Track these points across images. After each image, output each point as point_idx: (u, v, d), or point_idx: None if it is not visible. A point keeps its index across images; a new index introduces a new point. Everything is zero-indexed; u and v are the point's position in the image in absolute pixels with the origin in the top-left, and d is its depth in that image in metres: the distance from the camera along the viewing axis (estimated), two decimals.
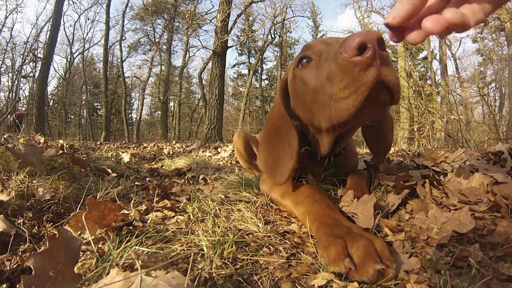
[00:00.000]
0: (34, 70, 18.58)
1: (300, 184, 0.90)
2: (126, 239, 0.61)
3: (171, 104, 22.91)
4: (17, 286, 0.50)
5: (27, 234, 0.68)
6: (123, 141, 9.03)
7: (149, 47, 20.38)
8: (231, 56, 44.53)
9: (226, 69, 9.24)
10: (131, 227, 0.73)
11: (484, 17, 0.38)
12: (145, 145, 6.13)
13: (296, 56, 0.81)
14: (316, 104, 0.70)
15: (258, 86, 22.38)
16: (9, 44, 19.43)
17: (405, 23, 0.43)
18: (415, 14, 0.43)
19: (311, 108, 0.73)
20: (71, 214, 0.64)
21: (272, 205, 0.94)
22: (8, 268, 0.54)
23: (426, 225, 0.67)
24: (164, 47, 18.82)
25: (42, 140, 2.19)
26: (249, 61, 22.30)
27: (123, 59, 17.81)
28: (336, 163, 0.97)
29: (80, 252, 0.57)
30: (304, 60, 0.75)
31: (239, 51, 22.05)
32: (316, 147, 0.91)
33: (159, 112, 21.02)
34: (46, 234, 0.72)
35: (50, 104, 22.80)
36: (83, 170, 1.30)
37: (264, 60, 22.39)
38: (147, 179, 1.56)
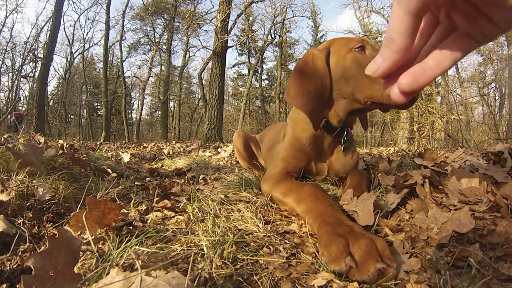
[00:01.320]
0: (34, 70, 18.60)
1: (302, 183, 0.90)
2: (126, 239, 0.61)
3: (171, 104, 22.92)
4: (17, 286, 0.50)
5: (27, 234, 0.68)
6: (123, 141, 9.04)
7: (149, 47, 20.39)
8: (231, 56, 44.61)
9: (226, 69, 9.25)
10: (131, 227, 0.73)
11: (452, 65, 0.36)
12: (145, 145, 6.13)
13: (353, 43, 1.02)
14: (360, 80, 0.95)
15: (258, 86, 22.38)
16: (9, 44, 19.44)
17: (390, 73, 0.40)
18: (399, 65, 0.39)
19: (356, 82, 0.97)
20: (72, 214, 0.64)
21: (272, 205, 0.94)
22: (8, 268, 0.54)
23: (426, 225, 0.67)
24: (164, 47, 18.83)
25: (42, 140, 2.19)
26: (249, 61, 22.30)
27: (123, 59, 17.82)
28: (347, 138, 1.15)
29: (80, 252, 0.57)
30: (360, 49, 0.99)
31: (239, 51, 22.05)
32: (333, 120, 1.09)
33: (159, 112, 21.03)
34: (46, 234, 0.72)
35: (50, 104, 22.81)
36: (83, 170, 1.30)
37: (264, 60, 22.40)
38: (147, 179, 1.56)
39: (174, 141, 8.80)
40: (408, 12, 0.32)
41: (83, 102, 24.05)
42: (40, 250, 0.55)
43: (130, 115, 24.81)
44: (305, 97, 1.06)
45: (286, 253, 0.61)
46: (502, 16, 0.28)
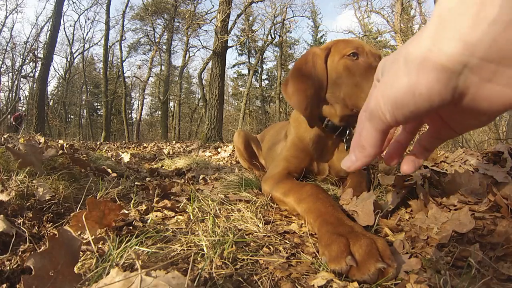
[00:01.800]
0: (34, 70, 18.58)
1: (303, 183, 0.91)
2: (126, 239, 0.61)
3: (171, 104, 22.91)
4: (17, 286, 0.50)
5: (27, 234, 0.68)
6: (123, 141, 9.04)
7: (149, 47, 20.39)
8: (231, 56, 44.58)
9: (226, 69, 9.24)
10: (131, 227, 0.73)
11: (436, 147, 0.43)
12: (145, 145, 6.14)
13: (346, 49, 1.02)
14: (349, 88, 0.99)
15: (258, 86, 22.37)
16: (9, 44, 19.43)
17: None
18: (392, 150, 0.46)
19: (345, 89, 1.00)
20: (72, 214, 0.64)
21: (272, 205, 0.94)
22: (8, 268, 0.54)
23: (426, 225, 0.67)
24: (164, 47, 18.82)
25: (42, 140, 2.19)
26: (249, 61, 22.29)
27: (123, 59, 17.81)
28: (350, 137, 1.17)
29: (80, 252, 0.57)
30: (353, 55, 1.00)
31: (239, 51, 22.05)
32: (335, 120, 1.11)
33: (159, 112, 21.03)
34: (46, 234, 0.72)
35: (50, 104, 22.80)
36: (83, 170, 1.30)
37: (264, 60, 22.39)
38: (147, 179, 1.56)
39: (174, 141, 8.80)
40: (377, 130, 0.39)
41: (83, 102, 24.05)
42: (40, 250, 0.55)
43: (130, 115, 24.81)
44: (301, 95, 1.07)
45: (286, 253, 0.61)
46: (463, 128, 0.35)
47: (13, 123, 10.56)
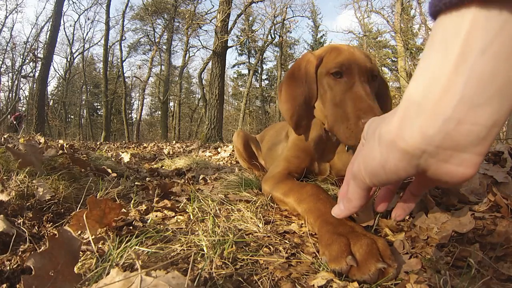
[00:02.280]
0: (34, 70, 18.58)
1: (304, 183, 0.90)
2: (126, 239, 0.61)
3: (171, 104, 22.91)
4: (17, 286, 0.50)
5: (27, 234, 0.68)
6: (123, 141, 9.04)
7: (149, 47, 20.38)
8: (231, 56, 44.54)
9: (226, 69, 9.24)
10: (131, 227, 0.73)
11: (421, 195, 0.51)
12: (145, 145, 6.14)
13: (332, 65, 0.97)
14: (327, 108, 0.97)
15: (258, 86, 22.38)
16: (9, 44, 19.44)
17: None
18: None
19: (329, 109, 0.96)
20: (72, 214, 0.64)
21: (272, 204, 0.94)
22: (8, 268, 0.54)
23: (426, 225, 0.67)
24: (164, 47, 18.83)
25: (42, 140, 2.19)
26: (249, 61, 22.29)
27: (123, 59, 17.82)
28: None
29: (80, 252, 0.57)
30: (337, 75, 0.95)
31: (239, 51, 22.04)
32: (327, 128, 1.08)
33: (159, 112, 21.02)
34: (46, 234, 0.72)
35: (50, 104, 22.79)
36: (83, 170, 1.30)
37: (264, 60, 22.39)
38: (147, 179, 1.56)
39: (174, 141, 8.80)
40: (360, 188, 0.46)
41: (83, 102, 24.05)
42: (40, 250, 0.55)
43: (130, 115, 24.81)
44: (290, 103, 1.06)
45: (286, 253, 0.61)
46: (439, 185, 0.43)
47: (14, 122, 10.57)
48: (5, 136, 2.95)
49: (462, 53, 0.28)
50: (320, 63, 1.01)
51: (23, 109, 19.94)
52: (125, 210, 0.74)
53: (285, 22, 16.52)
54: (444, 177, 0.34)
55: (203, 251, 0.59)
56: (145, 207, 0.92)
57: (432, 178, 0.35)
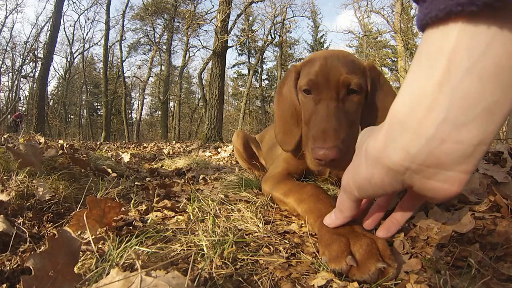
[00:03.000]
0: (34, 70, 18.59)
1: (304, 183, 0.90)
2: (126, 239, 0.61)
3: (171, 104, 22.92)
4: (17, 286, 0.50)
5: (27, 234, 0.68)
6: (123, 141, 9.04)
7: (149, 47, 20.39)
8: (231, 56, 44.56)
9: (226, 69, 9.24)
10: (131, 227, 0.73)
11: (412, 212, 0.51)
12: (145, 145, 6.14)
13: (302, 82, 0.90)
14: (304, 125, 0.91)
15: (258, 86, 22.38)
16: (9, 44, 19.44)
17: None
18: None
19: (305, 125, 0.92)
20: (72, 213, 0.64)
21: (272, 205, 0.94)
22: (8, 268, 0.54)
23: (426, 225, 0.67)
24: (164, 47, 18.83)
25: (42, 140, 2.19)
26: (249, 61, 22.30)
27: (123, 59, 17.82)
28: None
29: (80, 252, 0.56)
30: (306, 92, 0.89)
31: (239, 51, 22.05)
32: None
33: (159, 112, 21.03)
34: (46, 234, 0.72)
35: (50, 104, 22.79)
36: (83, 170, 1.30)
37: (264, 60, 22.39)
38: (147, 179, 1.56)
39: (174, 141, 8.80)
40: (350, 200, 0.48)
41: (83, 102, 24.05)
42: (40, 250, 0.55)
43: (130, 115, 24.81)
44: (277, 118, 1.03)
45: (286, 253, 0.61)
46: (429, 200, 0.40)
47: (17, 120, 10.56)
48: (5, 136, 2.95)
49: (446, 71, 0.27)
50: (299, 77, 0.95)
51: (23, 109, 19.93)
52: (124, 209, 0.74)
53: (285, 22, 16.52)
54: (429, 193, 0.34)
55: (203, 251, 0.59)
56: (145, 207, 0.92)
57: (419, 193, 0.35)
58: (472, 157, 0.29)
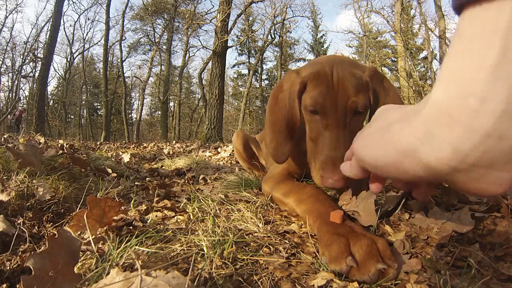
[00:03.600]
0: (34, 70, 18.59)
1: (304, 184, 0.90)
2: (126, 239, 0.61)
3: (171, 104, 22.92)
4: (17, 286, 0.50)
5: (27, 234, 0.68)
6: (123, 141, 9.04)
7: (149, 47, 20.40)
8: (231, 56, 44.49)
9: (226, 69, 9.25)
10: (131, 227, 0.73)
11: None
12: (145, 145, 6.14)
13: (308, 101, 0.86)
14: (309, 141, 0.90)
15: (258, 86, 22.38)
16: (9, 44, 19.45)
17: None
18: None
19: (308, 141, 0.91)
20: (73, 214, 0.64)
21: (272, 205, 0.94)
22: (8, 268, 0.54)
23: (426, 225, 0.67)
24: (164, 47, 18.84)
25: (42, 140, 2.19)
26: (249, 61, 22.30)
27: (123, 59, 17.82)
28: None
29: (80, 252, 0.57)
30: (313, 112, 0.87)
31: (239, 51, 22.06)
32: None
33: (159, 112, 21.03)
34: (46, 234, 0.72)
35: (50, 104, 22.80)
36: (83, 170, 1.30)
37: (264, 60, 22.40)
38: (147, 179, 1.56)
39: (174, 141, 8.80)
40: (361, 167, 0.46)
41: (83, 102, 24.06)
42: (40, 250, 0.55)
43: (130, 115, 24.82)
44: (270, 127, 0.98)
45: (286, 253, 0.61)
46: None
47: (21, 117, 10.53)
48: (5, 136, 2.95)
49: (502, 52, 0.23)
50: (304, 89, 0.89)
51: (24, 106, 19.92)
52: (124, 209, 0.74)
53: (285, 22, 16.52)
54: (470, 192, 0.29)
55: (203, 251, 0.59)
56: (145, 207, 0.92)
57: (457, 188, 0.31)
58: None
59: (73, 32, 21.10)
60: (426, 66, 16.34)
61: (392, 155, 0.33)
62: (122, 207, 0.72)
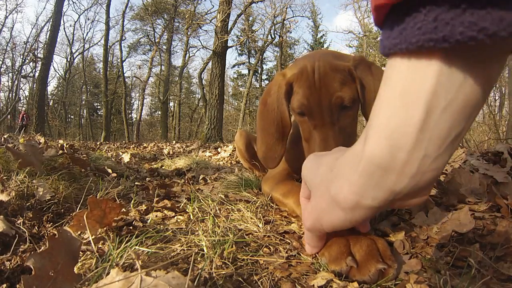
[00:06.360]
0: (34, 70, 18.59)
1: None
2: (126, 239, 0.61)
3: (171, 104, 22.92)
4: (17, 286, 0.50)
5: (27, 234, 0.68)
6: (123, 141, 9.04)
7: (149, 47, 20.41)
8: (231, 56, 44.45)
9: (226, 69, 9.25)
10: (131, 227, 0.73)
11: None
12: (145, 145, 6.14)
13: (294, 103, 0.85)
14: (304, 141, 0.90)
15: (258, 86, 22.38)
16: (9, 44, 19.45)
17: None
18: None
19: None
20: (73, 214, 0.64)
21: (272, 205, 0.94)
22: (8, 268, 0.54)
23: (426, 225, 0.67)
24: (164, 47, 18.84)
25: (42, 140, 2.19)
26: (249, 61, 22.30)
27: (123, 59, 17.83)
28: None
29: (80, 252, 0.57)
30: (300, 115, 0.86)
31: (239, 51, 22.05)
32: None
33: (159, 112, 21.04)
34: (46, 234, 0.72)
35: (50, 104, 22.79)
36: (83, 170, 1.30)
37: (264, 60, 22.41)
38: (147, 179, 1.56)
39: (174, 141, 8.80)
40: (318, 236, 0.53)
41: (83, 102, 24.06)
42: (40, 250, 0.55)
43: (130, 115, 24.81)
44: (260, 132, 0.97)
45: (286, 253, 0.61)
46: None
47: (29, 119, 10.52)
48: (5, 136, 2.95)
49: (427, 111, 0.28)
50: (291, 90, 0.87)
51: (23, 108, 19.91)
52: (124, 209, 0.74)
53: (285, 22, 16.52)
54: (405, 207, 0.38)
55: (203, 251, 0.59)
56: (145, 207, 0.92)
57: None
58: (439, 174, 0.32)
59: (73, 32, 21.14)
60: None
61: (343, 214, 0.39)
62: (123, 209, 0.72)
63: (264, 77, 23.10)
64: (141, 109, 20.69)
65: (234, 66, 23.22)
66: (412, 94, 0.28)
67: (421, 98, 0.27)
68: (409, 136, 0.29)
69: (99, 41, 20.80)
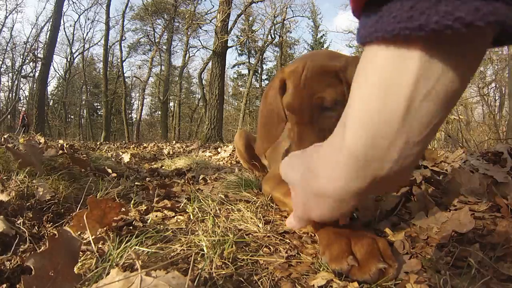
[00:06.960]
0: (34, 70, 18.58)
1: None
2: (126, 239, 0.60)
3: (171, 104, 22.93)
4: (17, 286, 0.50)
5: (27, 234, 0.68)
6: (123, 141, 9.04)
7: (149, 47, 20.42)
8: (231, 56, 44.38)
9: (226, 69, 9.25)
10: (131, 227, 0.73)
11: None
12: (145, 145, 6.13)
13: (284, 102, 0.88)
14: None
15: (258, 86, 22.38)
16: (9, 44, 19.46)
17: None
18: None
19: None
20: (73, 214, 0.64)
21: (272, 205, 0.94)
22: (8, 268, 0.54)
23: (426, 225, 0.67)
24: (164, 47, 18.85)
25: (42, 140, 2.19)
26: (249, 61, 22.30)
27: (123, 59, 17.83)
28: None
29: (80, 252, 0.56)
30: (288, 110, 0.87)
31: (239, 51, 22.06)
32: None
33: (159, 112, 21.05)
34: (46, 234, 0.72)
35: (50, 104, 22.81)
36: (83, 170, 1.30)
37: (264, 60, 22.41)
38: (147, 179, 1.56)
39: (174, 141, 8.80)
40: (306, 222, 0.51)
41: (83, 102, 24.06)
42: (40, 250, 0.55)
43: (130, 115, 24.81)
44: (260, 126, 1.00)
45: (286, 253, 0.61)
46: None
47: (26, 119, 10.51)
48: (5, 136, 2.95)
49: (408, 99, 0.28)
50: (285, 86, 0.90)
51: (23, 108, 19.92)
52: (124, 209, 0.74)
53: (285, 22, 16.53)
54: (389, 190, 0.41)
55: (203, 251, 0.59)
56: (145, 207, 0.92)
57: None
58: (419, 158, 0.33)
59: (73, 32, 21.15)
60: None
61: (331, 206, 0.40)
62: (123, 209, 0.72)
63: (264, 77, 23.12)
64: (141, 109, 20.69)
65: (234, 66, 23.26)
66: (393, 83, 0.28)
67: (403, 86, 0.27)
68: (392, 124, 0.29)
69: (99, 41, 20.82)
